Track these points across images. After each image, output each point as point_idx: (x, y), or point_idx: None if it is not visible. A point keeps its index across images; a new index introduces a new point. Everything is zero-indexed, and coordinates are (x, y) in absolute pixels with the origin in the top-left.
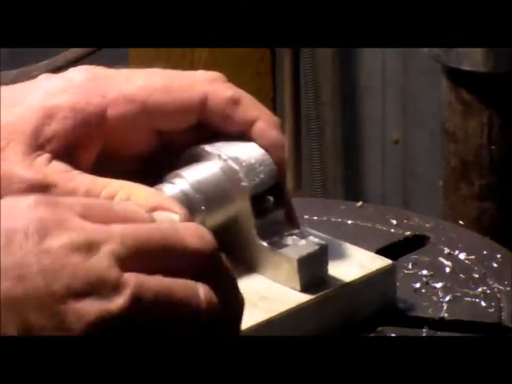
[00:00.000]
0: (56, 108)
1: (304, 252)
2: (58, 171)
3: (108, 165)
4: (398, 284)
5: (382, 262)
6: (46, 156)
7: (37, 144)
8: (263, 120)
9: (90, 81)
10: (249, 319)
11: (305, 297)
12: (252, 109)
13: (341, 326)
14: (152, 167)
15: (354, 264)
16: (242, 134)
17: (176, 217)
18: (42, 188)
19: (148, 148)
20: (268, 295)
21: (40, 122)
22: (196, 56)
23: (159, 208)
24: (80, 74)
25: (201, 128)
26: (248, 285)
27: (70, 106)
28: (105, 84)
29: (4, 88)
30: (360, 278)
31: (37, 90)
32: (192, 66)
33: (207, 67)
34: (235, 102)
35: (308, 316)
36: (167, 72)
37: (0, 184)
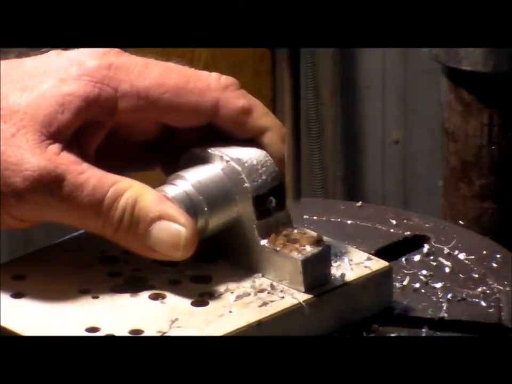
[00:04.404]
0: (68, 97)
1: (308, 252)
2: (68, 162)
3: (111, 147)
4: (398, 284)
5: (378, 263)
6: (57, 145)
7: (49, 133)
8: (274, 131)
9: (103, 70)
10: (242, 319)
11: (300, 299)
12: (263, 118)
13: (336, 327)
14: (155, 152)
15: (351, 265)
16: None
17: (181, 228)
18: (52, 177)
19: (154, 136)
20: (262, 295)
21: (52, 110)
22: (195, 56)
23: (165, 217)
24: (93, 60)
25: (212, 127)
26: (242, 285)
27: (82, 96)
28: (119, 74)
29: (12, 64)
30: (356, 280)
31: (50, 75)
32: (192, 66)
33: (207, 67)
34: (247, 111)
35: (303, 317)
36: (182, 72)
37: (9, 169)
